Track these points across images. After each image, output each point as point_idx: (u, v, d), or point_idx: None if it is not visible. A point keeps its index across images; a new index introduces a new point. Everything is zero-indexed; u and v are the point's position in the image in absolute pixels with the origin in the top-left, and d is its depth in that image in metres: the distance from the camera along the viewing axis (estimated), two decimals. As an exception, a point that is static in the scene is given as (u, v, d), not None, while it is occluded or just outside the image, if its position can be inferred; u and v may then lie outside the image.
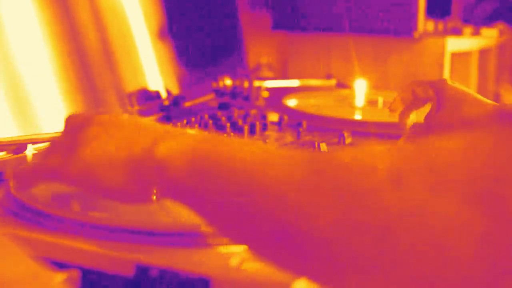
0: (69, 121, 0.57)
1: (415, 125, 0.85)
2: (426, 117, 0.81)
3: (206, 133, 0.51)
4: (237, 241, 0.48)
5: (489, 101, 0.78)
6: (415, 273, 0.36)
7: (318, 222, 0.38)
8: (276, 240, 0.41)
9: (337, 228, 0.38)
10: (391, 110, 0.84)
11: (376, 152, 0.41)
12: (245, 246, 0.50)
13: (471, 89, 0.81)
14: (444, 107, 0.79)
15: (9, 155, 0.81)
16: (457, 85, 0.81)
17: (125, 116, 0.55)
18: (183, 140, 0.48)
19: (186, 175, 0.46)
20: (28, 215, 0.57)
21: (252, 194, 0.42)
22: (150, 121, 0.54)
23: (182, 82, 1.31)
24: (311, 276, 0.42)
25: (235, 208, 0.43)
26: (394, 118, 0.87)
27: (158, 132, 0.50)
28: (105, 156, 0.51)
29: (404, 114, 0.84)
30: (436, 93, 0.80)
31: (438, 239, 0.35)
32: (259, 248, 0.44)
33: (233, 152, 0.45)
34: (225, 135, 0.60)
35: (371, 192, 0.38)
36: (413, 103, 0.84)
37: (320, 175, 0.41)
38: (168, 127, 0.52)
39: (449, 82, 0.80)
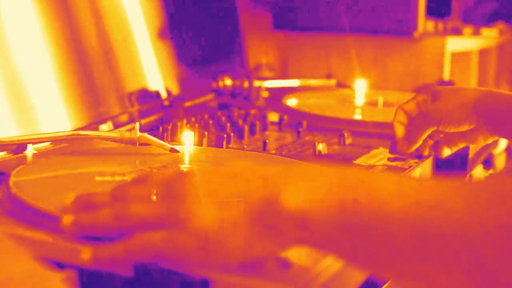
0: (144, 186, 0.52)
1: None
2: (423, 108, 0.83)
3: (327, 172, 0.49)
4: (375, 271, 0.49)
5: (481, 88, 0.82)
6: None
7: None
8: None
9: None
10: (400, 141, 0.84)
11: None
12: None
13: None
14: (440, 97, 0.82)
15: (9, 155, 0.81)
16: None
17: (206, 169, 0.53)
18: (313, 188, 0.47)
19: (333, 229, 0.46)
20: (28, 215, 0.57)
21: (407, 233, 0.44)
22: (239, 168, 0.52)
23: (182, 82, 1.31)
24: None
25: (382, 248, 0.45)
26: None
27: (267, 177, 0.49)
28: (218, 218, 0.48)
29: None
30: (432, 94, 0.82)
31: None
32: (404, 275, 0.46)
33: (383, 202, 0.45)
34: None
35: None
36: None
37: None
38: (268, 169, 0.50)
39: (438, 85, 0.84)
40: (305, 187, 0.47)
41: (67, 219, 0.52)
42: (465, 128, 0.81)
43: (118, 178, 0.67)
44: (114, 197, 0.53)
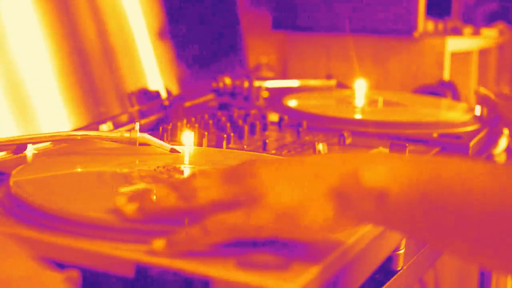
0: (219, 176, 0.52)
1: None
2: None
3: (398, 155, 0.51)
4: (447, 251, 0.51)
5: None
6: None
7: None
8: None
9: None
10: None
11: None
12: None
13: (471, 89, 0.83)
14: None
15: (9, 155, 0.81)
16: None
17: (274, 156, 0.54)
18: (390, 167, 0.48)
19: (411, 206, 0.47)
20: (28, 215, 0.57)
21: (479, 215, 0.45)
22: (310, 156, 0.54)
23: (182, 82, 1.31)
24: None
25: (454, 228, 0.46)
26: (393, 118, 0.87)
27: (343, 158, 0.50)
28: (296, 195, 0.49)
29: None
30: None
31: None
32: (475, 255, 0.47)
33: (460, 185, 0.46)
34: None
35: None
36: None
37: None
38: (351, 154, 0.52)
39: None
40: (382, 165, 0.49)
41: (158, 244, 0.51)
42: None
43: (141, 186, 0.65)
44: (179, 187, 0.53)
